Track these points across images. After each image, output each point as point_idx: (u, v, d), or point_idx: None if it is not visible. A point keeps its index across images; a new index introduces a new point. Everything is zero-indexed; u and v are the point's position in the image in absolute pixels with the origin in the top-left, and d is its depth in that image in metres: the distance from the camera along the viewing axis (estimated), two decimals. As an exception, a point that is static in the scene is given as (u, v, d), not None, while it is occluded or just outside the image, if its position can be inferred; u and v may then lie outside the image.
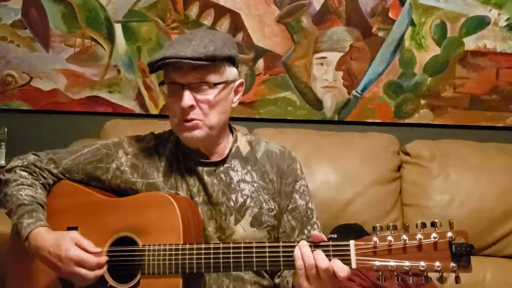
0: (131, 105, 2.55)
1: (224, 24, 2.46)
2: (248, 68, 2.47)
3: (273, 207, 1.49)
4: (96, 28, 2.51)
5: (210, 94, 1.39)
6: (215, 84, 1.39)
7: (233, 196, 1.47)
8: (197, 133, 1.41)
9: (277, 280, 1.50)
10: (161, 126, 2.05)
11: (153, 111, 2.54)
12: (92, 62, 2.54)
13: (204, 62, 1.35)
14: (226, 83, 1.43)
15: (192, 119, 1.40)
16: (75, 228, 1.45)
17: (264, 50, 2.46)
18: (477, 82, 2.41)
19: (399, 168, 2.28)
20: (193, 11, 2.47)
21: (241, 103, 2.45)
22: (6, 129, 2.53)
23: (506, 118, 2.42)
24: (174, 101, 1.40)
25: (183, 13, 2.47)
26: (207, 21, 2.47)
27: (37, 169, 1.52)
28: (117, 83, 2.54)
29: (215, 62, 1.37)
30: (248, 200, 1.47)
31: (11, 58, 2.56)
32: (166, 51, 1.36)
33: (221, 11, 2.46)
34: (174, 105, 1.41)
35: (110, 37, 2.52)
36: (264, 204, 1.48)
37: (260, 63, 2.47)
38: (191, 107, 1.38)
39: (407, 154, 2.28)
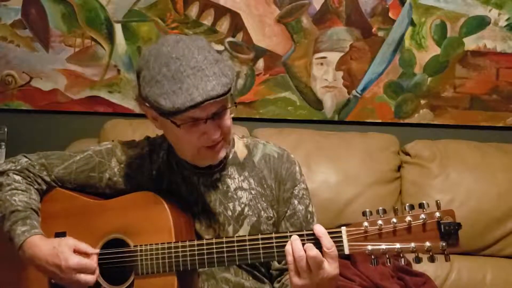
0: (131, 105, 2.54)
1: (224, 24, 2.46)
2: (248, 68, 2.47)
3: (271, 215, 1.46)
4: (96, 28, 2.51)
5: (228, 116, 1.35)
6: (234, 105, 1.35)
7: (231, 205, 1.44)
8: (221, 154, 1.38)
9: (276, 285, 1.47)
10: (161, 126, 2.06)
11: (153, 111, 2.53)
12: (92, 62, 2.53)
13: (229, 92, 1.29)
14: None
15: (218, 143, 1.35)
16: (63, 234, 1.43)
17: (264, 50, 2.46)
18: (477, 82, 2.40)
19: (399, 168, 2.28)
20: (193, 11, 2.47)
21: (241, 103, 2.47)
22: (6, 129, 2.52)
23: (506, 118, 2.42)
24: (192, 134, 1.32)
25: (183, 13, 2.47)
26: (207, 21, 2.46)
27: (31, 174, 1.48)
28: (117, 83, 2.54)
29: None
30: (246, 209, 1.44)
31: (11, 58, 2.55)
32: (187, 94, 1.23)
33: (221, 11, 2.45)
34: (191, 138, 1.32)
35: (110, 37, 2.51)
36: (262, 212, 1.45)
37: (260, 63, 2.47)
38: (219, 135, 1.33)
39: (407, 154, 2.28)
